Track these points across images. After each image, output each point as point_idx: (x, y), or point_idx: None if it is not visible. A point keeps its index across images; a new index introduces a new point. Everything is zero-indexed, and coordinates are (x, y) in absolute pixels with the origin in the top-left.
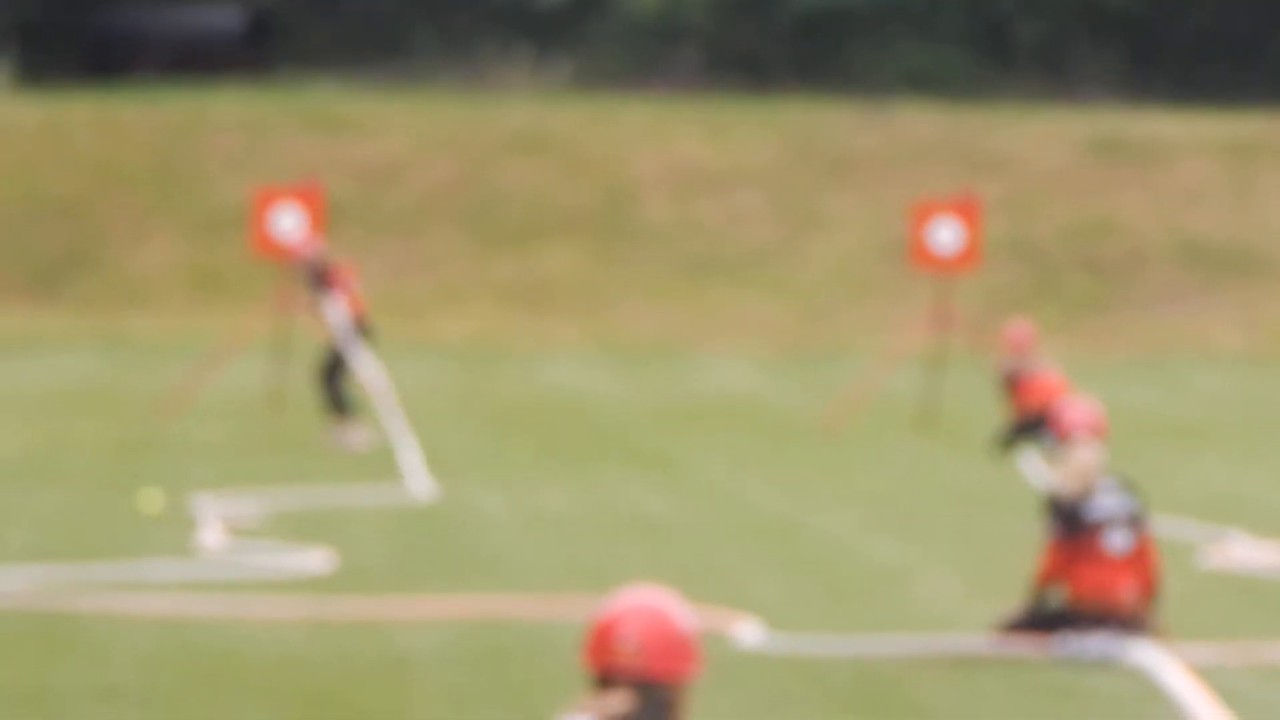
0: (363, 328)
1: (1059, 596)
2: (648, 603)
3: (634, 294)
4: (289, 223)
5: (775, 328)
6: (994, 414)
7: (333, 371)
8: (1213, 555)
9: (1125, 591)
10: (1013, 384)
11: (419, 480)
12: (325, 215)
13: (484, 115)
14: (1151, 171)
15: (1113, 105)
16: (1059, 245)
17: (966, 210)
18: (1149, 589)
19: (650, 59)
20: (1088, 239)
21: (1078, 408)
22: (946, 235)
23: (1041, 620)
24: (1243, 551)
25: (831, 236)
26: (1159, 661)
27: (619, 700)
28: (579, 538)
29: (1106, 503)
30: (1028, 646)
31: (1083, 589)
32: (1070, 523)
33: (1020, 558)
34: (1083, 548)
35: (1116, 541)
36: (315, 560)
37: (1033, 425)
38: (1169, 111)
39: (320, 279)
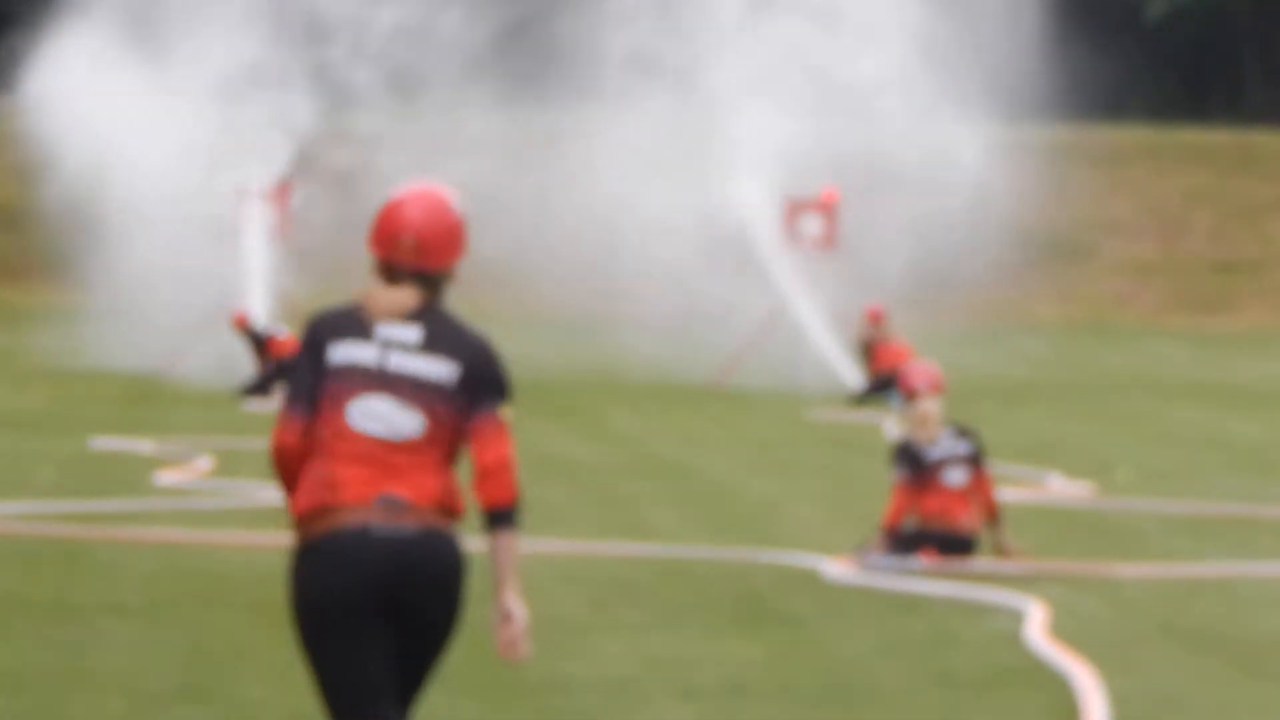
0: None
1: (911, 524)
2: (426, 195)
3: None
4: None
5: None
6: (855, 374)
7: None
8: (1024, 490)
9: (964, 518)
10: (870, 350)
11: None
12: None
13: None
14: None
15: None
16: (903, 231)
17: (827, 205)
18: (989, 515)
19: None
20: (928, 226)
21: (920, 369)
22: (812, 225)
23: (895, 545)
24: (1058, 487)
25: None
26: (987, 574)
27: (406, 295)
28: None
29: (945, 445)
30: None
31: (928, 516)
32: (914, 465)
33: (875, 493)
34: (926, 484)
35: (954, 477)
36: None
37: (886, 384)
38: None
39: None
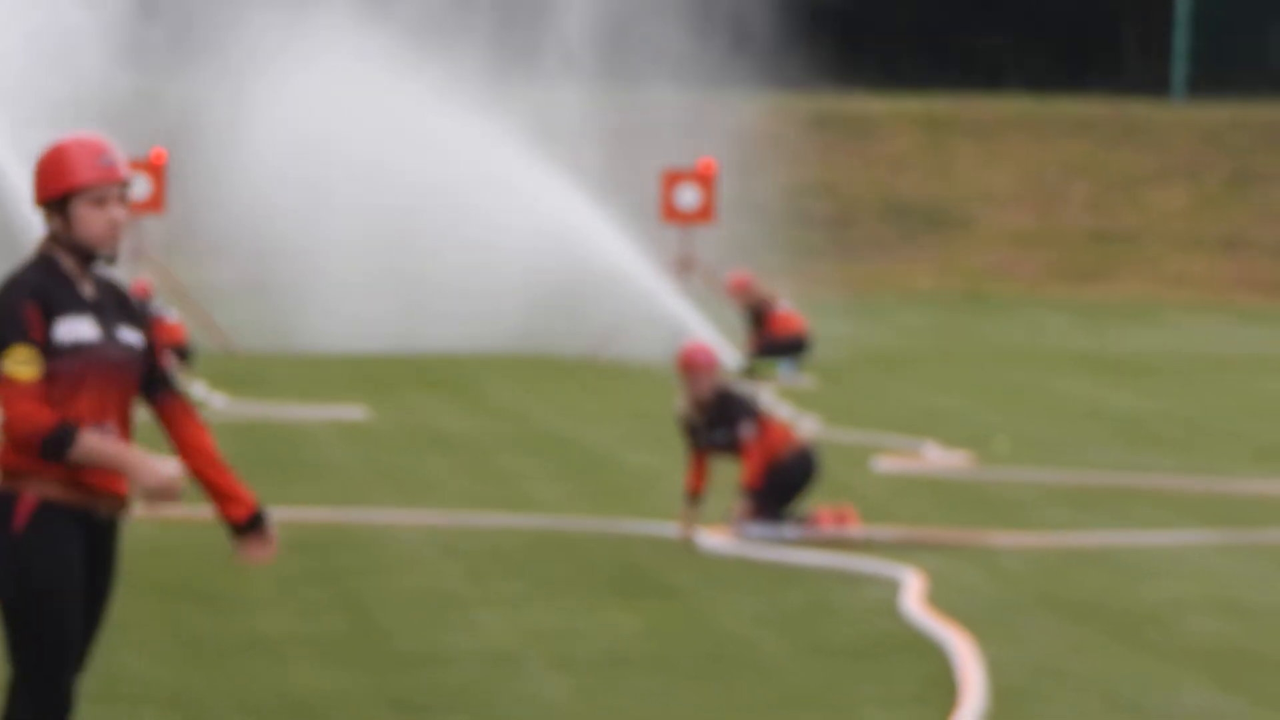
0: None
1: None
2: (87, 138)
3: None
4: None
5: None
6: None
7: None
8: (901, 460)
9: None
10: (761, 318)
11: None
12: None
13: None
14: (861, 142)
15: (825, 87)
16: (782, 203)
17: (705, 175)
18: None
19: None
20: (807, 198)
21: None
22: (689, 196)
23: (767, 504)
24: (935, 457)
25: None
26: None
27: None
28: (385, 449)
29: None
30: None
31: (776, 449)
32: (756, 420)
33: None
34: (764, 427)
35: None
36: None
37: (780, 349)
38: (874, 93)
39: None
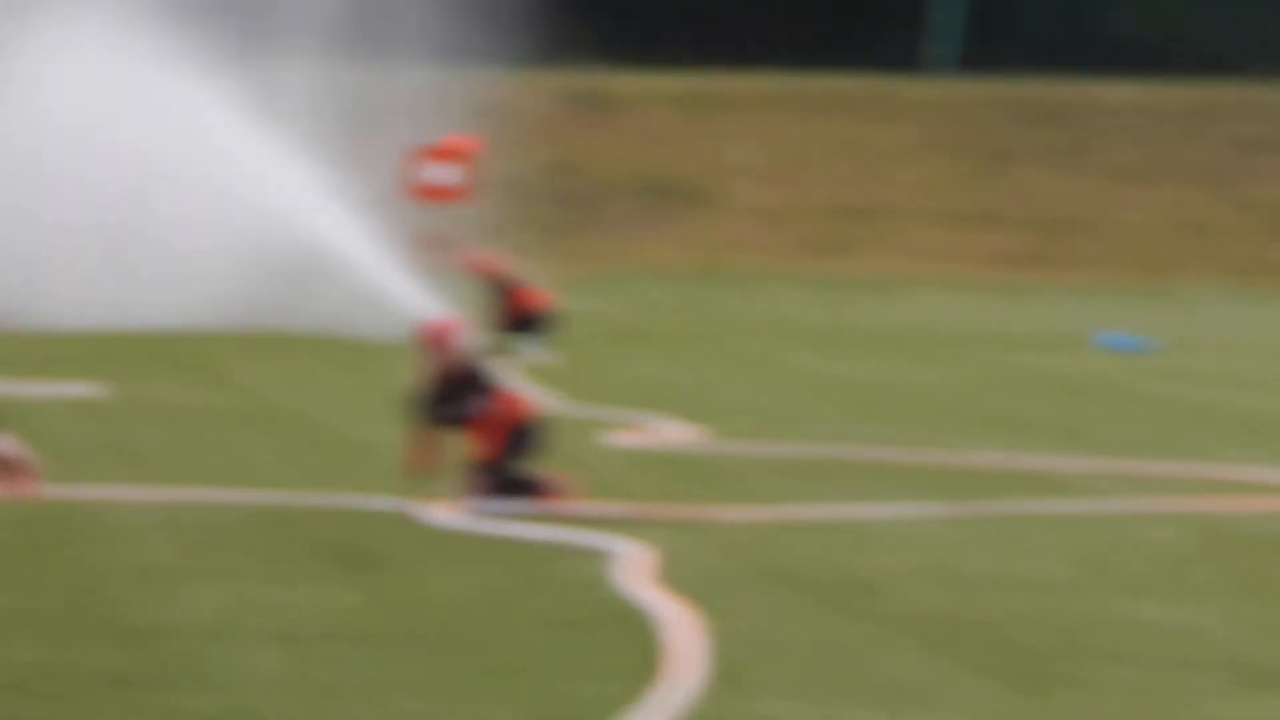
0: None
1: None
2: None
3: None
4: None
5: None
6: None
7: None
8: (634, 435)
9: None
10: (506, 294)
11: None
12: None
13: None
14: (617, 119)
15: (586, 64)
16: (539, 180)
17: (456, 152)
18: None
19: None
20: (563, 175)
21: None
22: (438, 173)
23: (503, 480)
24: (671, 431)
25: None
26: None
27: None
28: (115, 425)
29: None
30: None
31: (506, 425)
32: (491, 395)
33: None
34: (500, 404)
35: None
36: None
37: (525, 325)
38: (632, 69)
39: None
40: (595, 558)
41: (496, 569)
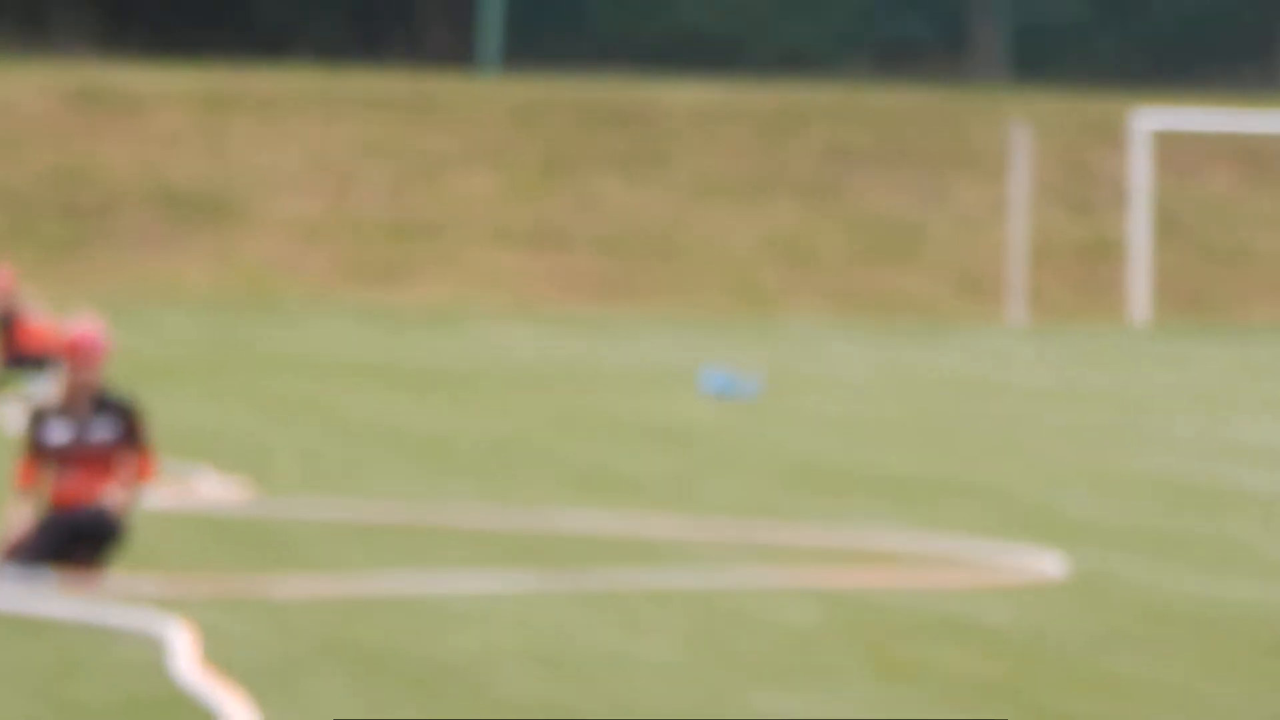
0: None
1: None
2: None
3: None
4: None
5: None
6: None
7: None
8: (168, 493)
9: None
10: (8, 326)
11: None
12: None
13: None
14: (128, 121)
15: (89, 57)
16: (37, 190)
17: None
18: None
19: None
20: (65, 184)
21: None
22: None
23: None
24: (209, 488)
25: None
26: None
27: None
28: None
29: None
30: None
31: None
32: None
33: None
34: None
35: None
36: None
37: (28, 365)
38: (143, 64)
39: None
40: (138, 639)
41: (22, 650)
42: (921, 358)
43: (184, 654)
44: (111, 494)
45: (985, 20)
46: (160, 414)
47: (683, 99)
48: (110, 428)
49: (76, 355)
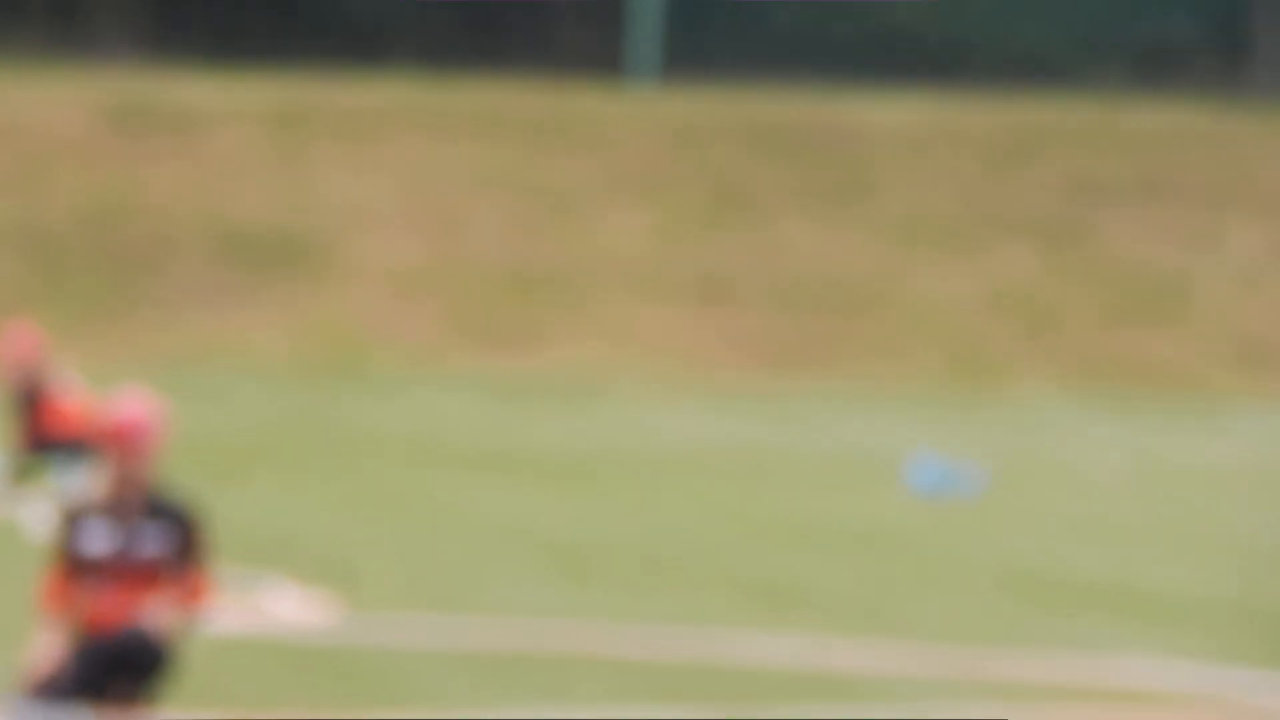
0: None
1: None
2: None
3: None
4: None
5: None
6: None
7: None
8: (243, 611)
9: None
10: (33, 402)
11: None
12: None
13: None
14: (183, 143)
15: (136, 65)
16: (71, 230)
17: None
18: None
19: None
20: (106, 223)
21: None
22: None
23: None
24: (285, 606)
25: None
26: None
27: None
28: None
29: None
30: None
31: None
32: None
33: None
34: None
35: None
36: None
37: (58, 453)
38: (202, 74)
39: None
40: None
41: None
42: (1184, 443)
43: None
44: (154, 612)
45: (1273, 20)
46: (225, 512)
47: (887, 119)
48: (162, 538)
49: (120, 443)
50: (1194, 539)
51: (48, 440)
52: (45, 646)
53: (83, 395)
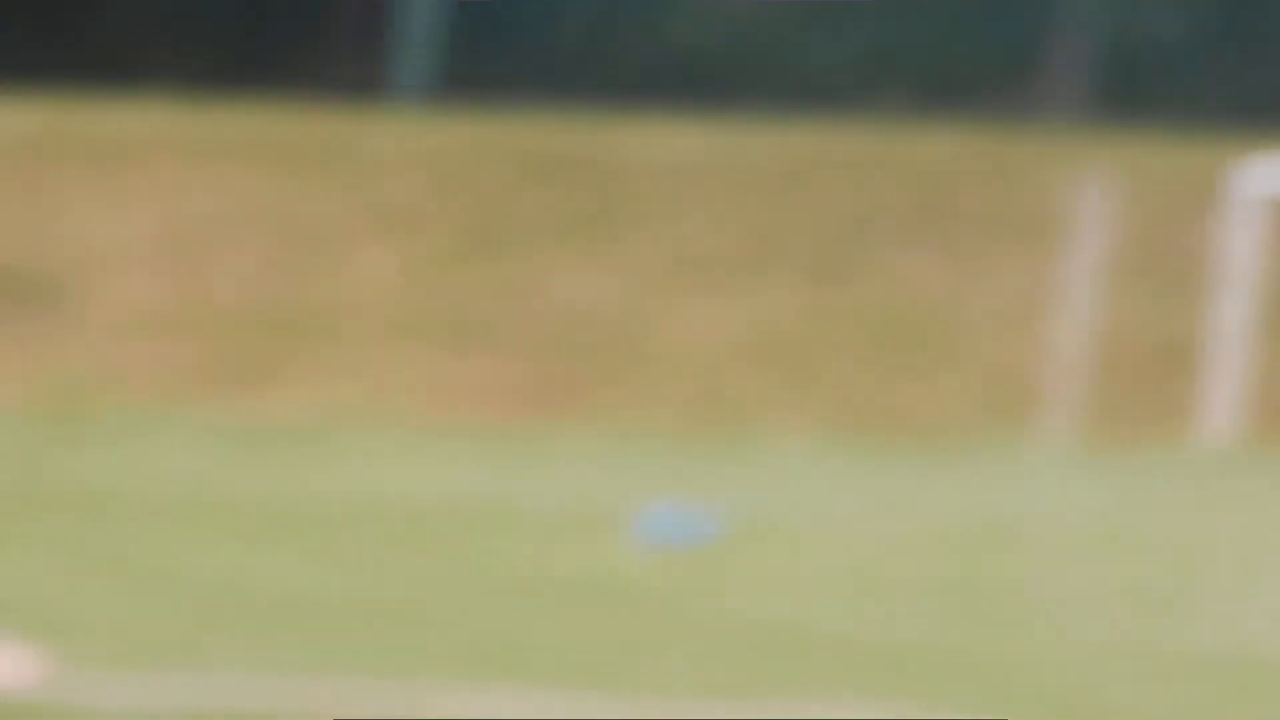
0: None
1: None
2: None
3: None
4: None
5: None
6: None
7: None
8: None
9: None
10: None
11: None
12: None
13: None
14: None
15: None
16: None
17: None
18: None
19: None
20: None
21: None
22: None
23: None
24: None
25: None
26: None
27: None
28: None
29: None
30: None
31: None
32: None
33: None
34: None
35: None
36: None
37: None
38: None
39: None
40: None
41: None
42: (932, 492)
43: None
44: None
45: (1063, 47)
46: None
47: (663, 149)
48: None
49: None
50: (933, 592)
51: None
52: None
53: None
